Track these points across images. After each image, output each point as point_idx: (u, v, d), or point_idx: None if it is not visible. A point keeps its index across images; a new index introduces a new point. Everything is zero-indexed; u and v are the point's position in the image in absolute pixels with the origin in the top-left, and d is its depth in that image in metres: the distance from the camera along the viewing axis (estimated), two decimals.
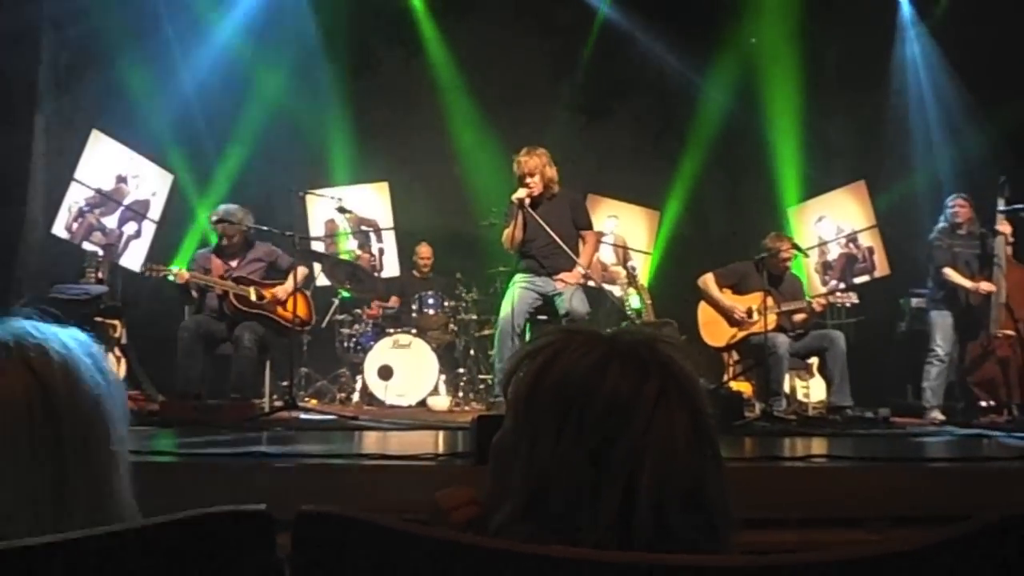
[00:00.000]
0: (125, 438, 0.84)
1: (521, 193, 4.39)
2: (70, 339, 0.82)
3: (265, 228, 4.84)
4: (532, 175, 4.43)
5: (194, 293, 4.75)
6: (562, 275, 4.42)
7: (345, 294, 6.15)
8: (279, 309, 4.80)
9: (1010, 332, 5.02)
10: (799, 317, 5.14)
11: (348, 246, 6.97)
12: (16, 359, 0.77)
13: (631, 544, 0.67)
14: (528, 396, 0.76)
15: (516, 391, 0.78)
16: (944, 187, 5.65)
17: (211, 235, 5.38)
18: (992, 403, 5.13)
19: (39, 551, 0.57)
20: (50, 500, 0.74)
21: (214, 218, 4.94)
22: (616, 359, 0.74)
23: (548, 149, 4.62)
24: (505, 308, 4.42)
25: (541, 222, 4.35)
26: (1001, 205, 5.10)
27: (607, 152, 7.28)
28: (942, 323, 5.13)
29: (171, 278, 4.64)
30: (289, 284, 4.80)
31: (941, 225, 5.27)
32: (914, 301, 5.87)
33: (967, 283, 5.06)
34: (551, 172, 4.50)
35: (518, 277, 4.51)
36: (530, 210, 4.39)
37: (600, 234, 7.00)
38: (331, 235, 6.86)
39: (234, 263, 4.87)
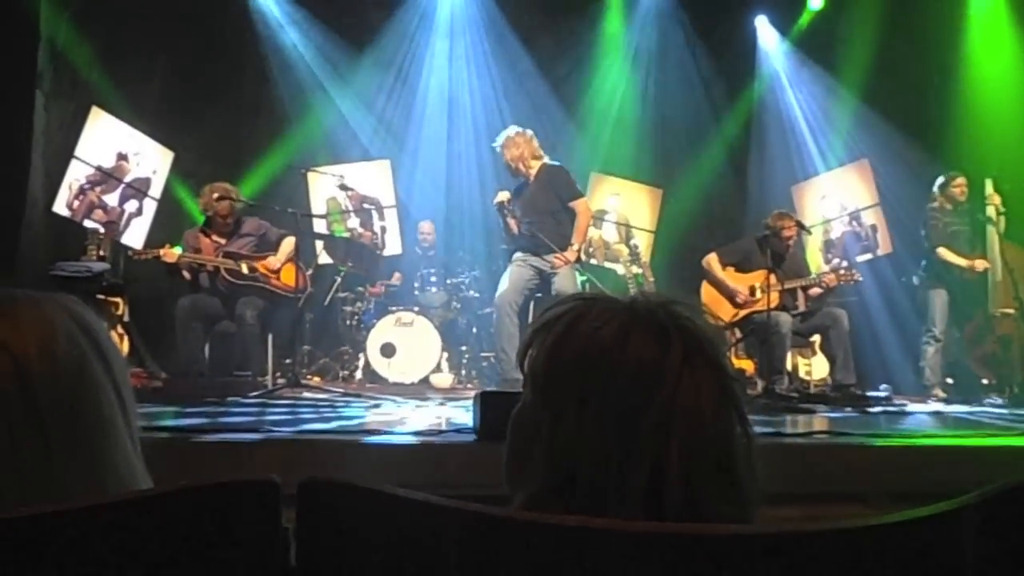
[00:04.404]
0: (124, 402, 0.78)
1: (500, 197, 4.52)
2: (47, 302, 0.77)
3: (254, 203, 4.82)
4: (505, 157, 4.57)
5: (186, 274, 4.69)
6: (555, 255, 4.39)
7: (342, 269, 6.10)
8: (272, 279, 4.78)
9: (1010, 310, 5.01)
10: (815, 291, 5.08)
11: (350, 224, 6.94)
12: None
13: (662, 520, 0.65)
14: (547, 369, 0.73)
15: (534, 364, 0.75)
16: (938, 166, 5.58)
17: (196, 213, 5.33)
18: (993, 381, 5.14)
19: (34, 521, 0.56)
20: (37, 476, 0.70)
21: (207, 196, 4.78)
22: (637, 326, 0.71)
23: (550, 127, 4.60)
24: (502, 286, 4.42)
25: (512, 222, 4.46)
26: (990, 186, 5.08)
27: (610, 130, 7.22)
28: (938, 302, 5.12)
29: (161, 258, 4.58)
30: (281, 255, 4.78)
31: (935, 204, 5.24)
32: (915, 279, 5.85)
33: (962, 262, 5.05)
34: (512, 152, 4.52)
35: (516, 256, 4.51)
36: (508, 208, 4.49)
37: (601, 211, 6.98)
38: (327, 213, 6.82)
39: (223, 240, 4.81)
